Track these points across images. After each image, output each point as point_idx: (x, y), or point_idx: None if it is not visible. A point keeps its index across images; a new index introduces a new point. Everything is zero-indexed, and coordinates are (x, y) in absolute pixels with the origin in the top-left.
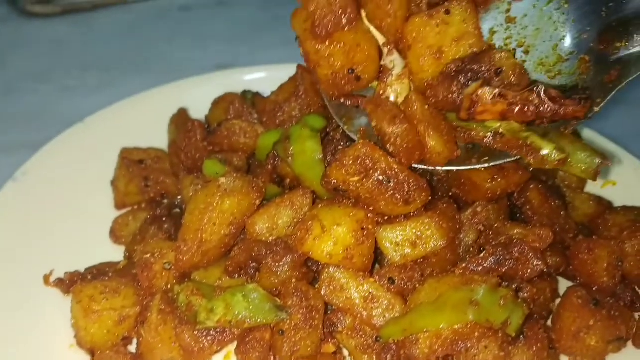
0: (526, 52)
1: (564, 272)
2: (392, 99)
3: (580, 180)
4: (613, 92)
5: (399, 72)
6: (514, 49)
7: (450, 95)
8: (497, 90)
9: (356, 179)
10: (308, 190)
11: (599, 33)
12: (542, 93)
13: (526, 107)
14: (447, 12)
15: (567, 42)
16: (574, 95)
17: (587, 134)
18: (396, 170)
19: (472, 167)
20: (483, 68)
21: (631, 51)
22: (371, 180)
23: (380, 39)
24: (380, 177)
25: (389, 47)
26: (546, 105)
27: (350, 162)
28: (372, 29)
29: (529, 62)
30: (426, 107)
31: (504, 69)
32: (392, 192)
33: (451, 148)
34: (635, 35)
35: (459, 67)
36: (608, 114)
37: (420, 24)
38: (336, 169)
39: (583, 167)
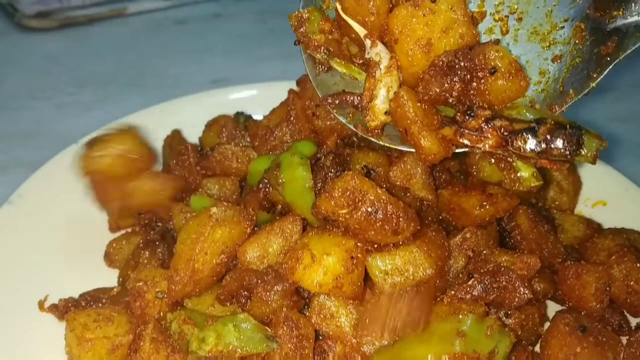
0: (519, 20)
1: (552, 296)
2: (383, 93)
3: (570, 202)
4: (610, 66)
5: (387, 63)
6: (507, 17)
7: (442, 93)
8: (475, 135)
9: (345, 211)
10: (298, 218)
11: None
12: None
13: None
14: (433, 0)
15: (561, 7)
16: (562, 135)
17: None
18: (384, 202)
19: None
20: (477, 67)
21: (628, 20)
22: (360, 212)
23: (361, 32)
24: (369, 209)
25: (371, 39)
26: (528, 152)
27: (339, 194)
28: (352, 22)
29: (522, 31)
30: (418, 104)
31: (499, 67)
32: (380, 223)
33: (447, 147)
34: (632, 3)
35: (451, 61)
36: (600, 124)
37: (406, 16)
38: (325, 201)
39: (582, 152)
